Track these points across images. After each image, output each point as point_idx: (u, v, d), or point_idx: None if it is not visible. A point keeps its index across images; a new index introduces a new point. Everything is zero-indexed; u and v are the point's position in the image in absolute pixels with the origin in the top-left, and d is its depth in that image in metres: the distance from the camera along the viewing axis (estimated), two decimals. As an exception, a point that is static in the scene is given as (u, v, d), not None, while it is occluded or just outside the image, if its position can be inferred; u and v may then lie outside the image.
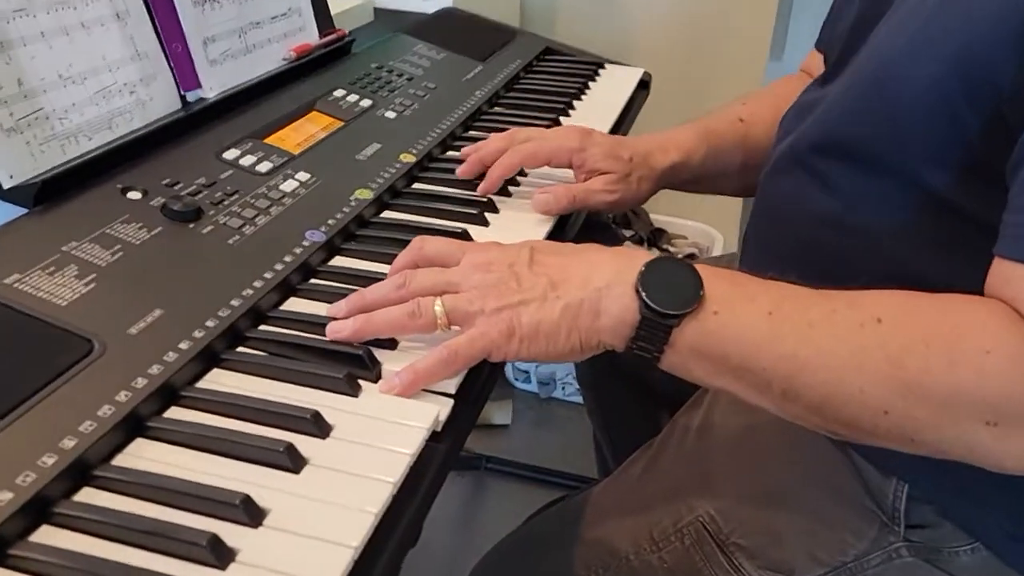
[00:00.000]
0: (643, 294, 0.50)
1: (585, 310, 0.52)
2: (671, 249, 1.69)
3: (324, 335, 0.53)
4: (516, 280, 0.53)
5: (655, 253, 1.66)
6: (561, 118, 0.96)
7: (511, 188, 0.77)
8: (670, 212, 1.74)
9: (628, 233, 1.70)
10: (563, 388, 1.68)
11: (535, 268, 0.53)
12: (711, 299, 0.50)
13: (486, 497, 1.50)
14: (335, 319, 0.54)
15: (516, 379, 1.72)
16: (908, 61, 0.54)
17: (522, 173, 0.81)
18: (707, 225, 1.69)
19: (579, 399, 1.66)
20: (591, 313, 0.52)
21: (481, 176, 0.76)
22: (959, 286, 0.49)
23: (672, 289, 0.50)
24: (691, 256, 1.63)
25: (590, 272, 0.53)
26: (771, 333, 0.49)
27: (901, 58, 0.54)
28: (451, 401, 0.51)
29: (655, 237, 1.72)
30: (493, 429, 1.63)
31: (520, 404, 1.69)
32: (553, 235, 0.72)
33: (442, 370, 0.51)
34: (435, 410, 0.49)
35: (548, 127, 0.91)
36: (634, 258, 0.53)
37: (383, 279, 0.56)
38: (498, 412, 1.64)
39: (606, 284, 0.52)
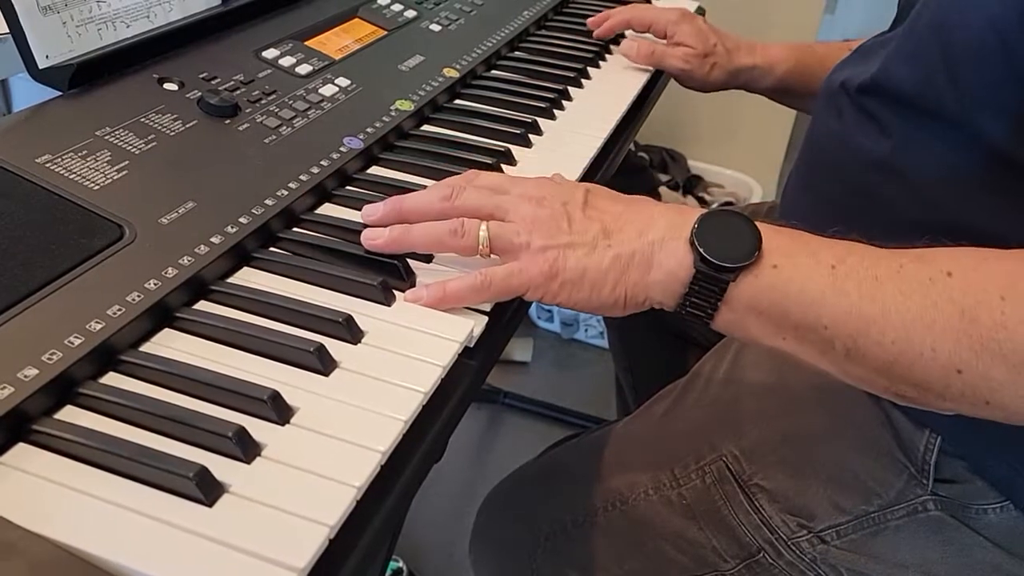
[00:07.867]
0: (698, 246, 0.47)
1: (636, 263, 0.49)
2: (707, 197, 1.66)
3: (359, 242, 0.51)
4: (568, 220, 0.50)
5: (691, 201, 1.63)
6: (610, 45, 0.92)
7: (556, 112, 0.75)
8: (709, 160, 1.70)
9: (664, 178, 1.66)
10: (586, 330, 1.67)
11: (589, 212, 0.51)
12: (770, 252, 0.47)
13: (502, 431, 1.50)
14: (369, 224, 0.51)
15: (539, 317, 1.71)
16: (966, 4, 0.51)
17: (578, 85, 0.81)
18: (745, 175, 1.65)
19: (601, 342, 1.65)
20: (642, 267, 0.49)
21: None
22: (1011, 238, 0.46)
23: (728, 242, 0.47)
24: (728, 204, 1.59)
25: (645, 224, 0.50)
26: (835, 288, 0.46)
27: (958, 2, 0.52)
28: (485, 319, 0.49)
29: (691, 184, 1.68)
30: (513, 365, 1.62)
31: (541, 343, 1.68)
32: (588, 174, 0.68)
33: (472, 296, 0.49)
34: (469, 325, 0.48)
35: (597, 54, 0.89)
36: (688, 212, 0.50)
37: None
38: (519, 348, 1.63)
39: (660, 238, 0.49)
